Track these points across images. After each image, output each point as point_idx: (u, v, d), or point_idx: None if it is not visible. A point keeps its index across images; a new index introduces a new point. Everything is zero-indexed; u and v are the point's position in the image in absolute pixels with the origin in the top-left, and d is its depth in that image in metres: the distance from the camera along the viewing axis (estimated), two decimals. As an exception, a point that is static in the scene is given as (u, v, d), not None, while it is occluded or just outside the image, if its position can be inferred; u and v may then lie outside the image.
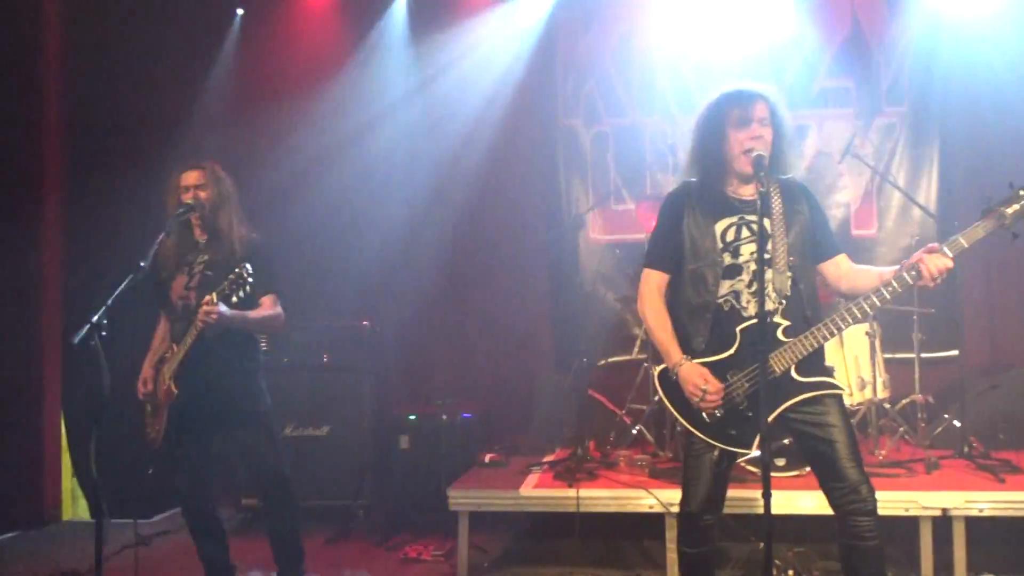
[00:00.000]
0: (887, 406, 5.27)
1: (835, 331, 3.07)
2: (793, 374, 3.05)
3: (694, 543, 3.23)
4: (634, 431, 5.50)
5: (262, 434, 4.06)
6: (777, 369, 3.03)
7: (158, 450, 4.03)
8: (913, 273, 2.99)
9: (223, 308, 3.66)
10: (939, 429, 5.33)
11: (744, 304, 3.10)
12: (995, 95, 5.95)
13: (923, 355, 5.39)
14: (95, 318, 3.20)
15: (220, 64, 6.60)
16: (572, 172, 6.61)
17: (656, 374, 3.22)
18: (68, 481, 6.16)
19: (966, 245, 3.02)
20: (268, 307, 3.97)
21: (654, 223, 3.35)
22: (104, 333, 3.19)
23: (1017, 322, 6.03)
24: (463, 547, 4.63)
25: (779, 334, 3.06)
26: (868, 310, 3.06)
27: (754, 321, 3.05)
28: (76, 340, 3.17)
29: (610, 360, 6.08)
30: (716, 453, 3.08)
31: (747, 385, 3.06)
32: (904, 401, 5.39)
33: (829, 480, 3.05)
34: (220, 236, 3.98)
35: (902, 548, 4.35)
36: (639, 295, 3.27)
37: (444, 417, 5.58)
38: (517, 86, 6.50)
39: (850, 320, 3.07)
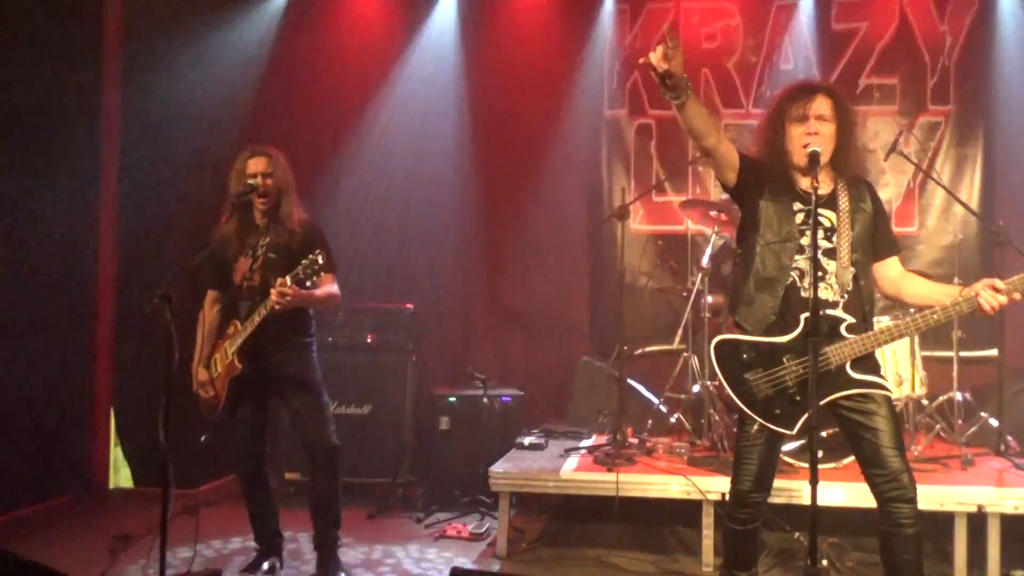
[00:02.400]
0: (924, 403, 5.31)
1: (898, 337, 3.16)
2: (848, 369, 3.14)
3: (742, 521, 3.31)
4: (672, 419, 5.57)
5: (315, 403, 4.24)
6: (834, 362, 3.12)
7: (215, 422, 4.22)
8: (967, 304, 3.09)
9: (296, 289, 3.83)
10: (975, 427, 5.35)
11: (806, 285, 3.17)
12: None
13: (962, 353, 5.39)
14: (165, 290, 3.33)
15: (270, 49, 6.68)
16: (615, 163, 6.68)
17: (713, 346, 3.26)
18: (112, 451, 6.34)
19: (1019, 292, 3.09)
20: (329, 286, 4.12)
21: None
22: (173, 305, 3.32)
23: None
24: (503, 526, 4.71)
25: (843, 329, 3.14)
26: (932, 324, 3.14)
27: (837, 314, 3.15)
28: (148, 311, 3.30)
29: (648, 349, 6.14)
30: (757, 428, 3.17)
31: (801, 371, 3.13)
32: (941, 398, 5.43)
33: (871, 467, 3.13)
34: (281, 220, 4.13)
35: (936, 543, 4.37)
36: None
37: (484, 399, 5.69)
38: (563, 77, 6.57)
39: (913, 330, 3.19)
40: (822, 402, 3.08)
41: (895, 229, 6.17)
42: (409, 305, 6.04)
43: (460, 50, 6.66)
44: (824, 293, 3.15)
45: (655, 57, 2.94)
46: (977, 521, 4.30)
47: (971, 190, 6.26)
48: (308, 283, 3.84)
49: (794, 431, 3.15)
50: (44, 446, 5.56)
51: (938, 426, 5.35)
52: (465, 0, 6.69)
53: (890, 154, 5.42)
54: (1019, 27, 6.08)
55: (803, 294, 3.18)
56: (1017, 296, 3.10)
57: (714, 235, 5.52)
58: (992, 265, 6.10)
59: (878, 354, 3.30)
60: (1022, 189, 6.17)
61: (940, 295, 3.21)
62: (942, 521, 4.34)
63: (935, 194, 6.26)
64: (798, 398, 3.13)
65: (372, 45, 6.64)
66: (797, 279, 3.20)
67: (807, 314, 3.11)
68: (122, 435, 6.24)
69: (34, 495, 5.49)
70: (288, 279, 3.79)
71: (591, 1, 6.60)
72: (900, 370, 5.07)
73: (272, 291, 3.79)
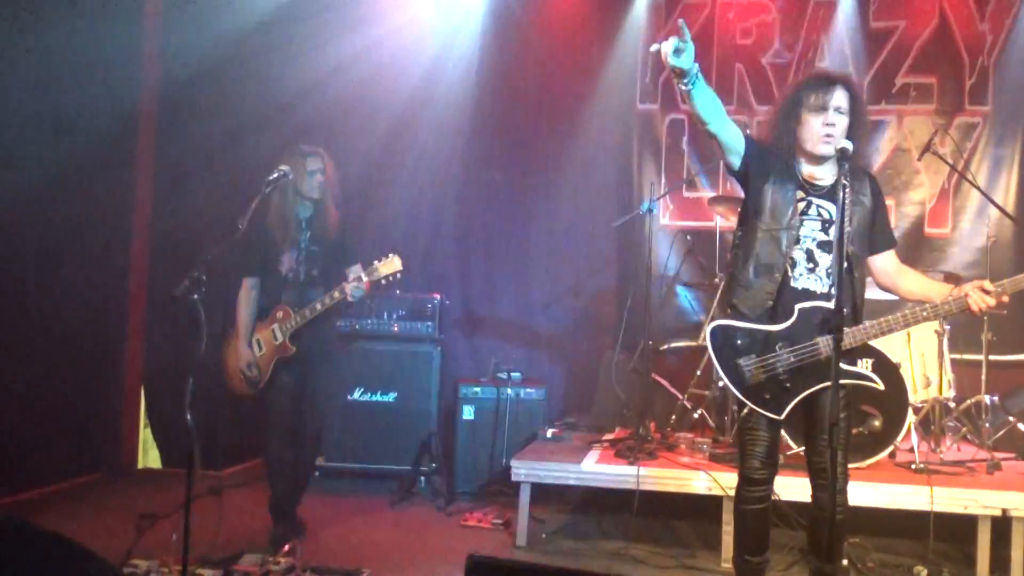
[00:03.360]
0: (951, 405, 5.27)
1: (888, 332, 3.21)
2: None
3: (752, 500, 3.38)
4: (695, 415, 5.58)
5: (325, 372, 4.65)
6: (825, 353, 3.18)
7: (252, 398, 4.56)
8: (956, 304, 3.17)
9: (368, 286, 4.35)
10: (1003, 431, 5.30)
11: (796, 275, 3.27)
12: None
13: (992, 357, 5.35)
14: (196, 273, 3.41)
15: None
16: (646, 157, 6.68)
17: (708, 330, 3.35)
18: (142, 432, 6.46)
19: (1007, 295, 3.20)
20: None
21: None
22: (203, 288, 3.40)
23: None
24: (523, 517, 4.74)
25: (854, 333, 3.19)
26: (921, 321, 3.23)
27: (815, 303, 3.22)
28: (177, 293, 3.37)
29: (673, 345, 6.14)
30: (747, 411, 3.29)
31: (792, 359, 3.22)
32: (969, 401, 5.39)
33: (810, 452, 3.36)
34: (323, 215, 4.51)
35: (959, 546, 4.38)
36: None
37: (509, 391, 5.74)
38: (596, 71, 6.60)
39: (903, 326, 3.22)
40: (810, 390, 3.23)
41: (928, 230, 6.27)
42: (436, 295, 6.08)
43: (495, 44, 6.69)
44: (814, 285, 3.26)
45: (666, 48, 2.96)
46: (1001, 525, 4.27)
47: (1007, 192, 6.19)
48: (383, 283, 4.36)
49: (781, 416, 3.25)
50: (74, 424, 5.67)
51: (964, 429, 5.31)
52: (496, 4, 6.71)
53: (924, 154, 5.37)
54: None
55: (792, 283, 3.25)
56: (1005, 298, 3.19)
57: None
58: (1026, 268, 6.05)
59: (905, 355, 3.33)
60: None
61: (933, 291, 3.28)
62: (966, 524, 4.32)
63: (970, 195, 6.20)
64: (788, 385, 3.23)
65: (409, 45, 6.65)
66: (789, 269, 3.26)
67: (802, 304, 3.21)
68: (151, 416, 6.37)
69: (63, 473, 5.60)
70: (364, 277, 4.30)
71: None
72: (928, 372, 5.05)
73: (346, 285, 4.28)
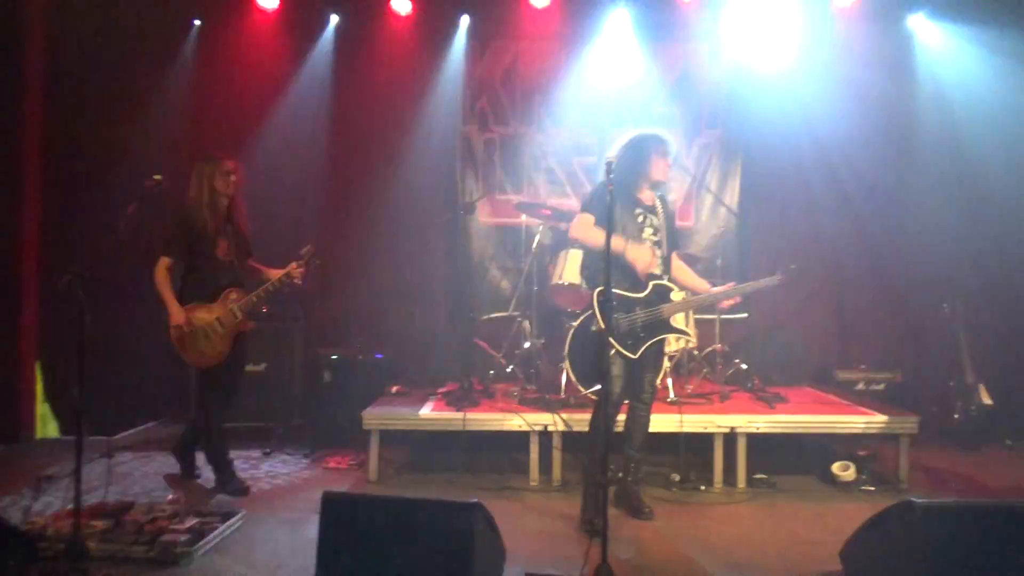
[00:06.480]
0: (695, 352, 5.62)
1: (705, 303, 4.24)
2: (670, 320, 3.92)
3: (611, 419, 3.78)
4: (508, 370, 5.68)
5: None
6: (666, 315, 3.87)
7: (216, 368, 4.30)
8: (737, 291, 4.10)
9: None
10: (731, 371, 5.72)
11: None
12: (781, 123, 6.35)
13: (722, 316, 5.72)
14: (75, 268, 3.15)
15: (180, 68, 6.39)
16: (467, 168, 6.67)
17: (595, 293, 3.79)
18: (40, 407, 5.92)
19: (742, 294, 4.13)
20: None
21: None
22: (86, 279, 3.14)
23: (789, 295, 6.48)
24: (373, 458, 4.71)
25: (671, 296, 3.90)
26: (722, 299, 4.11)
27: (660, 280, 3.89)
28: (60, 287, 3.10)
29: (491, 316, 6.23)
30: (614, 352, 3.73)
31: (645, 316, 3.86)
32: (707, 349, 5.77)
33: (637, 380, 3.96)
34: (236, 211, 4.37)
35: (702, 457, 4.66)
36: (580, 227, 3.84)
37: (360, 357, 5.64)
38: (427, 99, 6.52)
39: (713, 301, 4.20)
40: (652, 340, 3.85)
41: (678, 223, 6.59)
42: (298, 281, 5.87)
43: (339, 76, 6.46)
44: (657, 271, 3.89)
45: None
46: (730, 440, 4.61)
47: (733, 194, 6.60)
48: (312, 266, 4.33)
49: (636, 356, 3.80)
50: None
51: (705, 370, 5.68)
52: (341, 30, 6.52)
53: (672, 166, 5.65)
54: (769, 76, 6.42)
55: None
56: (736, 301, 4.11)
57: (540, 228, 5.66)
58: (747, 251, 6.54)
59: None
60: (768, 195, 6.60)
61: (695, 283, 4.12)
62: (706, 440, 4.62)
63: (706, 197, 6.58)
64: (642, 334, 3.84)
65: (267, 67, 6.40)
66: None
67: (655, 280, 3.87)
68: (47, 388, 5.85)
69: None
70: (298, 263, 4.31)
71: (446, 38, 6.56)
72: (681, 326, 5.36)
73: (294, 270, 4.30)
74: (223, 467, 4.42)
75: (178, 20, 6.36)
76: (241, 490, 4.34)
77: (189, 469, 4.58)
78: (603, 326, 3.61)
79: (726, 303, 4.14)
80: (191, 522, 3.66)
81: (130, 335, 5.63)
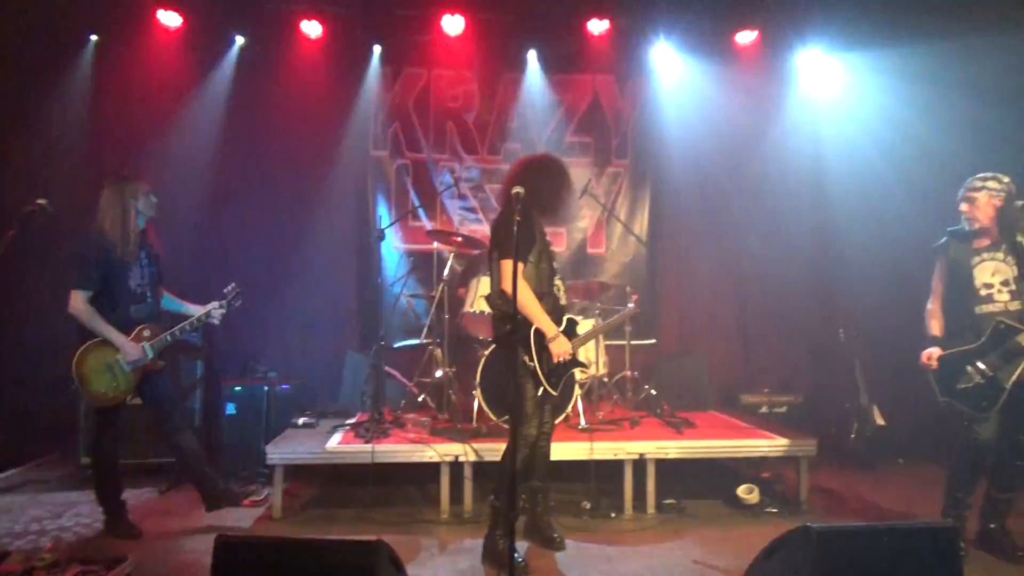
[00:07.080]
0: (605, 380, 5.67)
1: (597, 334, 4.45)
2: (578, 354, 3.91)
3: (531, 444, 3.79)
4: (419, 399, 5.58)
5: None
6: (575, 350, 3.83)
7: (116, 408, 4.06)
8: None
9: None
10: (642, 395, 5.78)
11: (559, 295, 3.86)
12: (690, 156, 6.56)
13: (632, 342, 5.81)
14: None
15: (77, 83, 6.08)
16: (379, 194, 6.58)
17: (532, 332, 3.70)
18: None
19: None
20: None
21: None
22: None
23: (695, 321, 6.66)
24: (278, 493, 4.51)
25: (579, 329, 3.90)
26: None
27: (571, 315, 3.89)
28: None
29: (403, 344, 6.13)
30: (541, 390, 3.72)
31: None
32: (618, 375, 5.83)
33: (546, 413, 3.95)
34: (148, 236, 4.10)
35: (613, 484, 4.66)
36: (508, 280, 3.57)
37: (266, 388, 5.42)
38: (338, 124, 6.42)
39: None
40: (567, 374, 3.82)
41: (589, 250, 6.72)
42: (216, 322, 5.63)
43: (245, 97, 6.25)
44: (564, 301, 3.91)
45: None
46: (640, 465, 4.63)
47: (642, 222, 6.75)
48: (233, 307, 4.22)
49: (555, 392, 3.76)
50: None
51: (616, 397, 5.73)
52: (248, 51, 6.35)
53: (583, 195, 5.75)
54: (676, 108, 6.64)
55: (556, 295, 3.85)
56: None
57: (452, 255, 5.62)
58: (655, 277, 6.67)
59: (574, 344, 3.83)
60: (675, 223, 6.77)
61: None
62: (616, 467, 4.63)
63: (616, 225, 6.70)
64: (560, 370, 3.76)
65: (169, 86, 6.15)
66: (555, 291, 3.83)
67: (568, 315, 3.87)
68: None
69: None
70: (220, 303, 4.19)
71: (358, 62, 6.49)
72: (589, 355, 5.40)
73: (215, 310, 4.17)
74: (114, 508, 4.14)
75: (72, 35, 6.06)
76: (131, 533, 4.07)
77: (216, 494, 4.28)
78: (536, 364, 3.67)
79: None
80: (72, 571, 3.40)
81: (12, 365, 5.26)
